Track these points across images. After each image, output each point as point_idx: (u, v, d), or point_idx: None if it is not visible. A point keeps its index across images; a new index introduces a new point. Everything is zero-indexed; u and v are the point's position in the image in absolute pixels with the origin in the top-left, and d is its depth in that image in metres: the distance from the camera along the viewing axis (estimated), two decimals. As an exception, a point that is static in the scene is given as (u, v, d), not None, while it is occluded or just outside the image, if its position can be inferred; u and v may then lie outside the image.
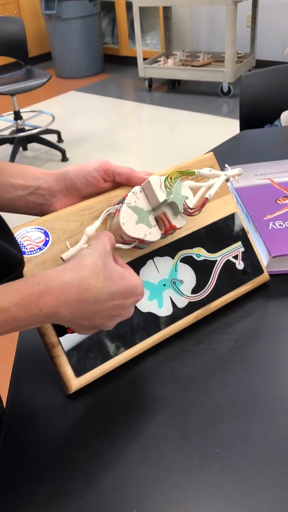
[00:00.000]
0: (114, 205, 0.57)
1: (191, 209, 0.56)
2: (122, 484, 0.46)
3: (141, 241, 0.55)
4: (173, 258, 0.62)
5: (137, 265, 0.59)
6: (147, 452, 0.49)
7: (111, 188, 0.59)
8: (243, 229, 0.67)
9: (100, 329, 0.50)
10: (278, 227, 0.73)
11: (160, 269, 0.60)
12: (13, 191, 0.57)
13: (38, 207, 0.58)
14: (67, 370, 0.54)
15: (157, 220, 0.56)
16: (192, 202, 0.56)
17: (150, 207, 0.56)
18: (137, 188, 0.56)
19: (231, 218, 0.67)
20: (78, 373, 0.54)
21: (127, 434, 0.51)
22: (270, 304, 0.65)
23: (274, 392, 0.53)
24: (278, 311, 0.64)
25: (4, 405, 0.57)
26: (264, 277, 0.67)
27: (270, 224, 0.73)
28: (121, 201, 0.55)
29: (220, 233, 0.65)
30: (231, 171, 0.62)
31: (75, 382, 0.54)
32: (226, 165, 0.64)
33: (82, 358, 0.55)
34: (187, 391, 0.54)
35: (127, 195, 0.55)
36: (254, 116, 1.55)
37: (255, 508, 0.43)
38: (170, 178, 0.55)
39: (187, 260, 0.62)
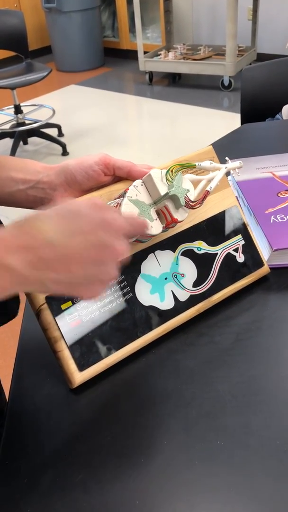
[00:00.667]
0: (115, 199, 0.57)
1: (192, 201, 0.56)
2: (124, 475, 0.46)
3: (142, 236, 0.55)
4: (174, 251, 0.62)
5: (138, 258, 0.59)
6: (149, 444, 0.49)
7: (112, 182, 0.59)
8: (243, 222, 0.67)
9: (100, 281, 0.45)
10: (280, 220, 0.73)
11: (161, 262, 0.61)
12: (13, 185, 0.57)
13: (39, 201, 0.57)
14: (70, 364, 0.54)
15: (158, 213, 0.56)
16: (193, 195, 0.57)
17: (151, 200, 0.56)
18: (138, 182, 0.56)
19: (231, 211, 0.67)
20: (81, 367, 0.55)
21: (129, 426, 0.51)
22: (271, 297, 0.66)
23: (275, 384, 0.54)
24: (279, 304, 0.64)
25: (7, 398, 0.57)
26: (264, 269, 0.68)
27: (272, 218, 0.73)
28: (122, 195, 0.55)
29: (221, 226, 0.65)
30: (231, 164, 0.63)
31: (78, 377, 0.54)
32: (227, 158, 0.64)
33: (85, 352, 0.55)
34: (189, 383, 0.55)
35: (128, 189, 0.55)
36: (255, 110, 1.54)
37: (257, 499, 0.43)
38: (171, 171, 0.55)
39: (188, 254, 0.63)
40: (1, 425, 0.54)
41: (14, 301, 0.49)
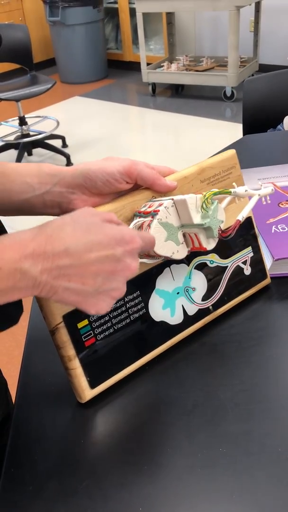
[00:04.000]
0: (139, 212, 0.54)
1: (223, 231, 0.54)
2: (128, 483, 0.47)
3: (167, 257, 0.54)
4: (188, 265, 0.61)
5: (154, 273, 0.58)
6: (152, 451, 0.49)
7: (133, 187, 0.57)
8: (254, 234, 0.67)
9: (109, 296, 0.45)
10: (281, 230, 0.73)
11: (175, 277, 0.60)
12: (30, 191, 0.55)
13: (56, 206, 0.56)
14: (82, 382, 0.54)
15: (184, 235, 0.55)
16: (223, 220, 0.54)
17: (180, 222, 0.54)
18: (169, 203, 0.53)
19: (245, 223, 0.65)
20: (93, 385, 0.55)
21: (132, 434, 0.52)
22: (273, 306, 0.66)
23: (277, 392, 0.54)
24: (281, 313, 0.65)
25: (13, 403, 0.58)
26: (266, 281, 0.68)
27: (273, 228, 0.74)
28: (152, 215, 0.53)
29: (234, 238, 0.64)
30: (264, 190, 0.60)
31: (89, 393, 0.55)
32: (260, 182, 0.63)
33: (97, 370, 0.55)
34: (192, 392, 0.55)
35: (158, 210, 0.52)
36: (257, 121, 1.56)
37: (258, 507, 0.44)
38: (208, 200, 0.53)
39: (201, 267, 0.62)
40: (7, 429, 0.55)
41: (16, 308, 0.49)
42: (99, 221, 0.45)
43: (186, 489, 0.46)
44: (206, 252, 0.62)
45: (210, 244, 0.54)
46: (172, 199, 0.53)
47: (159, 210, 0.52)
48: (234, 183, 0.61)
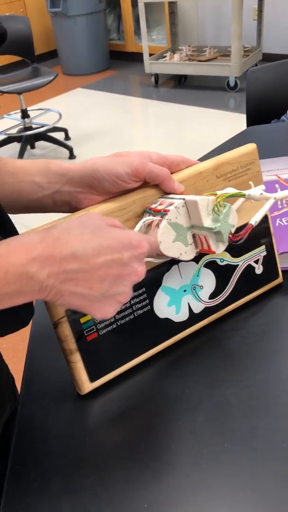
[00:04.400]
0: (151, 208, 0.52)
1: (234, 235, 0.52)
2: (132, 479, 0.47)
3: (175, 258, 0.52)
4: (197, 263, 0.59)
5: (161, 270, 0.57)
6: (157, 447, 0.49)
7: (143, 183, 0.55)
8: (270, 232, 0.65)
9: (115, 300, 0.45)
10: (285, 223, 0.73)
11: (183, 274, 0.59)
12: (39, 191, 0.55)
13: (66, 204, 0.56)
14: (82, 375, 0.54)
15: (193, 235, 0.53)
16: (235, 223, 0.52)
17: (190, 223, 0.52)
18: (179, 203, 0.51)
19: (261, 220, 0.61)
20: (93, 379, 0.55)
21: (137, 430, 0.52)
22: (278, 301, 0.66)
23: (282, 388, 0.54)
24: (286, 308, 0.65)
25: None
26: (278, 280, 0.67)
27: (277, 221, 0.73)
28: (161, 214, 0.51)
29: (248, 237, 0.61)
30: (281, 193, 0.57)
31: (88, 386, 0.55)
32: (277, 185, 0.60)
33: (98, 364, 0.55)
34: (196, 387, 0.55)
35: (168, 210, 0.51)
36: (261, 111, 1.55)
37: (264, 502, 0.44)
38: (220, 203, 0.51)
39: (210, 265, 0.60)
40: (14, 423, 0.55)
41: (28, 311, 0.49)
42: (105, 225, 0.45)
43: (191, 486, 0.46)
44: None
45: (219, 248, 0.53)
46: (184, 199, 0.51)
47: (169, 210, 0.51)
48: (251, 182, 0.58)
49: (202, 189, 0.56)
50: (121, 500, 0.45)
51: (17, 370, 0.72)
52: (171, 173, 0.54)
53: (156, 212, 0.52)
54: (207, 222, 0.51)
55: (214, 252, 0.53)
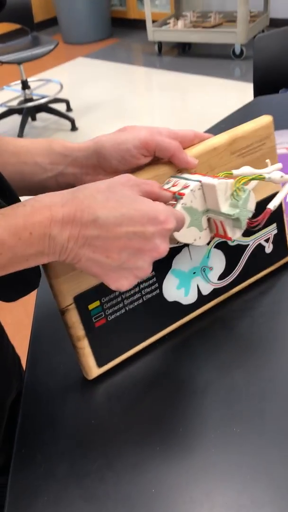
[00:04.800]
0: (164, 189, 0.48)
1: (251, 220, 0.49)
2: (140, 464, 0.46)
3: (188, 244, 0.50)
4: (208, 244, 0.57)
5: (171, 254, 0.55)
6: (164, 432, 0.49)
7: (152, 159, 0.52)
8: (281, 210, 0.62)
9: (132, 274, 0.43)
10: (295, 199, 0.70)
11: (193, 256, 0.56)
12: (42, 173, 0.53)
13: (71, 187, 0.52)
14: (90, 361, 0.53)
15: (208, 219, 0.50)
16: (253, 206, 0.49)
17: (205, 207, 0.49)
18: (196, 186, 0.48)
19: (272, 197, 0.58)
20: (101, 364, 0.54)
21: (144, 413, 0.51)
22: (286, 280, 0.64)
23: (291, 370, 0.53)
24: (295, 286, 0.63)
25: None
26: (287, 258, 0.65)
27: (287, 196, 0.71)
28: (176, 198, 0.48)
29: (258, 214, 0.59)
30: None
31: (96, 371, 0.54)
32: None
33: (106, 349, 0.54)
34: (204, 370, 0.54)
35: (184, 194, 0.47)
36: (268, 80, 1.49)
37: (273, 486, 0.43)
38: (239, 188, 0.48)
39: (221, 246, 0.58)
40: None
41: (34, 273, 0.48)
42: (136, 194, 0.43)
43: (199, 470, 0.45)
44: None
45: (236, 234, 0.50)
46: (200, 182, 0.48)
47: (184, 194, 0.47)
48: (267, 160, 0.54)
49: (215, 167, 0.53)
50: (129, 485, 0.45)
51: (22, 346, 0.71)
52: (184, 149, 0.51)
53: None
54: (225, 207, 0.48)
55: (230, 239, 0.50)
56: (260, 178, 0.50)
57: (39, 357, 0.59)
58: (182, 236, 0.48)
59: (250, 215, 0.49)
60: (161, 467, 0.46)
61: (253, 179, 0.49)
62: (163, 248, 0.43)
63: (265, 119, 0.56)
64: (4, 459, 0.66)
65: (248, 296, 0.62)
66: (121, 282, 0.43)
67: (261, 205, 0.57)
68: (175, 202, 0.47)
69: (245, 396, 0.51)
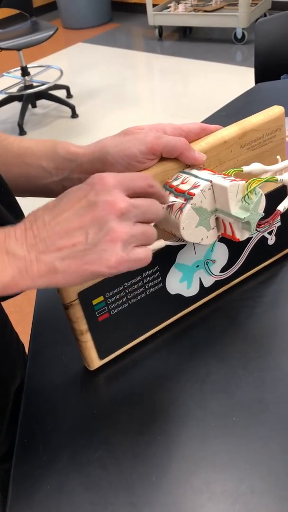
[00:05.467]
0: (173, 186, 0.48)
1: (260, 222, 0.48)
2: (141, 453, 0.47)
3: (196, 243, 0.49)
4: None
5: (176, 248, 0.54)
6: (165, 421, 0.49)
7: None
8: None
9: (106, 243, 0.39)
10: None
11: (197, 250, 0.56)
12: (47, 177, 0.53)
13: None
14: (92, 354, 0.54)
15: (216, 218, 0.49)
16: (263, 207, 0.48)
17: (214, 206, 0.48)
18: (206, 186, 0.46)
19: (279, 191, 0.58)
20: (102, 356, 0.55)
21: (144, 403, 0.51)
22: (287, 271, 0.64)
23: (291, 360, 0.53)
24: (296, 275, 0.63)
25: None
26: None
27: (288, 185, 0.71)
28: (185, 197, 0.46)
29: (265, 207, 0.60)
30: None
31: (98, 363, 0.55)
32: None
33: (108, 343, 0.54)
34: (204, 359, 0.54)
35: (194, 193, 0.46)
36: (270, 66, 1.48)
37: (273, 475, 0.44)
38: (251, 191, 0.46)
39: (225, 239, 0.56)
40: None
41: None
42: (68, 190, 0.42)
43: (199, 459, 0.46)
44: None
45: (244, 235, 0.49)
46: (211, 182, 0.46)
47: (194, 194, 0.46)
48: (278, 157, 0.53)
49: (225, 160, 0.52)
50: (130, 474, 0.45)
51: (25, 333, 0.71)
52: (190, 143, 0.50)
53: (178, 193, 0.47)
54: (235, 210, 0.46)
55: (238, 240, 0.49)
56: (272, 180, 0.49)
57: (41, 347, 0.60)
58: (190, 236, 0.47)
59: (260, 217, 0.47)
60: (161, 455, 0.46)
61: (266, 181, 0.47)
62: (114, 199, 0.39)
63: (276, 110, 0.54)
64: (9, 445, 0.67)
65: (249, 286, 0.62)
66: (105, 258, 0.39)
67: (268, 198, 0.55)
68: (184, 202, 0.46)
69: (245, 385, 0.51)
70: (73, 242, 0.39)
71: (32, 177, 0.53)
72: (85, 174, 0.51)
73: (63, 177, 0.52)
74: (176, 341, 0.57)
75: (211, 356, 0.54)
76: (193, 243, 0.54)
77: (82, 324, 0.51)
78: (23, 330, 0.75)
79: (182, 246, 0.55)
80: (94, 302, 0.51)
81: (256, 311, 0.59)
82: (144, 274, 0.53)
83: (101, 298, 0.51)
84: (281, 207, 0.50)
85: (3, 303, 0.64)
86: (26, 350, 0.68)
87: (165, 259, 0.54)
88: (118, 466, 0.46)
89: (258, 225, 0.48)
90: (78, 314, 0.51)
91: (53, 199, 0.42)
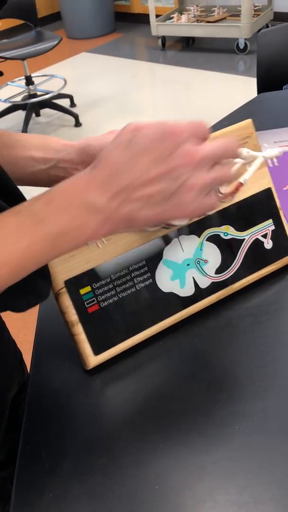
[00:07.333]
0: None
1: (221, 194, 0.50)
2: (143, 461, 0.47)
3: (168, 224, 0.50)
4: (199, 236, 0.59)
5: (161, 244, 0.57)
6: (167, 428, 0.49)
7: None
8: (276, 206, 0.63)
9: (185, 191, 0.41)
10: (298, 197, 0.70)
11: (185, 248, 0.58)
12: (34, 165, 0.56)
13: (61, 180, 0.55)
14: (86, 348, 0.54)
15: None
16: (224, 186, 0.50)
17: None
18: None
19: (264, 193, 0.62)
20: (97, 351, 0.55)
21: (147, 411, 0.51)
22: (290, 278, 0.64)
23: (294, 368, 0.53)
24: (298, 284, 0.63)
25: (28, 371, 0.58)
26: None
27: (290, 195, 0.71)
28: None
29: (251, 210, 0.61)
30: (269, 151, 0.55)
31: (93, 359, 0.55)
32: (265, 145, 0.59)
33: (101, 337, 0.55)
34: (207, 368, 0.54)
35: None
36: (272, 76, 1.49)
37: (275, 484, 0.44)
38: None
39: (214, 239, 0.60)
40: (24, 398, 0.56)
41: (45, 281, 0.48)
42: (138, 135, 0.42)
43: (202, 468, 0.46)
44: (219, 224, 0.60)
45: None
46: None
47: None
48: (247, 150, 0.56)
49: None
50: (132, 481, 0.45)
51: (27, 341, 0.72)
52: None
53: None
54: None
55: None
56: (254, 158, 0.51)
57: (44, 355, 0.60)
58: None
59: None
60: (164, 464, 0.46)
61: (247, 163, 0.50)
62: (190, 148, 0.41)
63: (245, 122, 0.60)
64: (7, 453, 0.67)
65: (251, 295, 0.62)
66: (183, 204, 0.42)
67: (253, 200, 0.61)
68: None
69: (248, 394, 0.51)
70: (153, 192, 0.41)
71: (20, 165, 0.56)
72: (70, 164, 0.55)
73: (50, 166, 0.56)
74: (178, 348, 0.57)
75: (214, 364, 0.55)
76: (179, 240, 0.58)
77: (71, 314, 0.53)
78: (25, 338, 0.75)
79: (166, 243, 0.58)
80: (82, 291, 0.53)
81: (260, 319, 0.59)
82: (130, 268, 0.56)
83: (88, 289, 0.54)
84: (241, 179, 0.51)
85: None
86: (27, 357, 0.68)
87: (150, 254, 0.57)
88: (121, 474, 0.46)
89: (221, 199, 0.50)
90: (66, 303, 0.53)
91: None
